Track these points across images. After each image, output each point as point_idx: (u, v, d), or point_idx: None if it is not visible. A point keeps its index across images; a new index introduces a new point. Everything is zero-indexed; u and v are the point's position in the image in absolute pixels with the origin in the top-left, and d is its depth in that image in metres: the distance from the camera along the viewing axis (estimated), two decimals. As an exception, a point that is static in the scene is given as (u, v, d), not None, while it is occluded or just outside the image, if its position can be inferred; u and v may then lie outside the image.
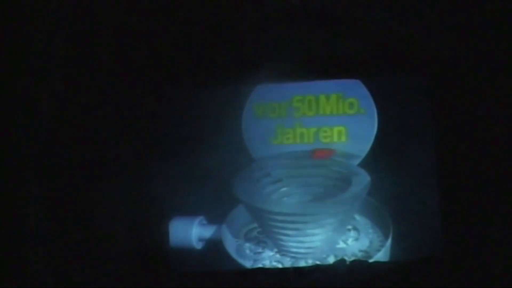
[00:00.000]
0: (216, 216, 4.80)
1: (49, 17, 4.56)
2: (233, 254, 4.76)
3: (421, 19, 4.60)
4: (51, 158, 4.67)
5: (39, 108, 4.69)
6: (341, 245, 4.74)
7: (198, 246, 4.80)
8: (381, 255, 4.67)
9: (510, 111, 4.50)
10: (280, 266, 4.72)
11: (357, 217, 4.75)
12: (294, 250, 4.74)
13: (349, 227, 4.76)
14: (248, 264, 4.74)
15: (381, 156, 4.73)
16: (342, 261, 4.53)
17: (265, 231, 4.79)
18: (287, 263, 4.73)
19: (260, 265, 4.70)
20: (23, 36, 4.54)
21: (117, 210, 4.72)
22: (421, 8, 4.57)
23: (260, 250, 4.76)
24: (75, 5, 4.55)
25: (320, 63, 4.69)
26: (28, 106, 4.65)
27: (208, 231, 4.79)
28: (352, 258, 4.60)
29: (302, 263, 4.69)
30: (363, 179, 4.73)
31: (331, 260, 4.67)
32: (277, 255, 4.75)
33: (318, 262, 4.65)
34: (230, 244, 4.78)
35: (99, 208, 4.70)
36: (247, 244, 4.79)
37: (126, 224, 4.70)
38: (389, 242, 4.67)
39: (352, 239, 4.75)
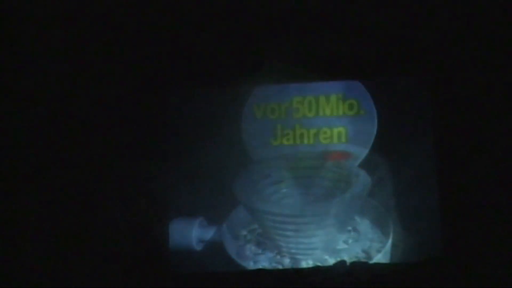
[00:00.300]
0: (216, 217, 4.80)
1: (47, 17, 4.57)
2: (234, 255, 4.75)
3: (421, 20, 4.60)
4: (51, 159, 4.69)
5: (40, 109, 4.71)
6: (342, 246, 4.73)
7: (198, 247, 4.79)
8: (381, 256, 4.67)
9: (510, 111, 4.50)
10: (280, 267, 4.71)
11: (357, 218, 4.74)
12: (294, 251, 4.74)
13: (349, 228, 4.74)
14: (248, 265, 4.73)
15: (381, 156, 4.72)
16: (342, 262, 4.50)
17: (266, 232, 4.78)
18: (288, 264, 4.73)
19: (260, 267, 4.69)
20: (22, 37, 4.56)
21: (117, 211, 4.72)
22: (421, 9, 4.57)
23: (260, 251, 4.75)
24: (75, 6, 4.55)
25: (320, 64, 4.69)
26: (28, 108, 4.67)
27: (208, 233, 4.79)
28: (352, 259, 4.59)
29: (302, 265, 4.68)
30: (363, 180, 4.72)
31: (331, 261, 4.65)
32: (278, 256, 4.74)
33: (318, 264, 4.64)
34: (230, 245, 4.77)
35: (99, 210, 4.71)
36: (248, 246, 4.77)
37: (127, 225, 4.70)
38: (389, 243, 4.66)
39: (352, 240, 4.74)
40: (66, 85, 4.74)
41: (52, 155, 4.72)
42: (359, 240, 4.72)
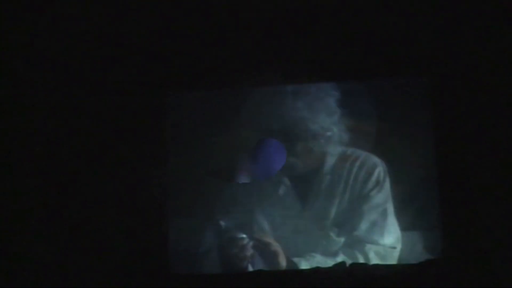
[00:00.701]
0: (215, 218, 4.78)
1: (45, 20, 4.58)
2: (232, 257, 4.70)
3: (421, 20, 4.61)
4: (51, 159, 4.69)
5: (39, 109, 4.72)
6: (341, 247, 4.69)
7: (197, 248, 4.77)
8: (381, 258, 4.63)
9: (511, 112, 4.50)
10: (279, 268, 4.68)
11: (357, 219, 4.70)
12: (293, 252, 4.69)
13: (349, 229, 4.71)
14: (247, 267, 4.68)
15: (381, 158, 4.71)
16: (342, 264, 4.51)
17: (264, 234, 4.75)
18: (286, 265, 4.67)
19: (260, 268, 4.67)
20: (20, 39, 4.56)
21: (116, 211, 4.71)
22: (421, 9, 4.58)
23: (259, 253, 4.72)
24: (73, 8, 4.56)
25: (319, 66, 4.69)
26: (28, 108, 4.67)
27: (207, 234, 4.77)
28: (352, 261, 4.57)
29: (301, 266, 4.65)
30: (363, 181, 4.71)
31: (330, 262, 4.62)
32: (276, 258, 4.70)
33: (317, 265, 4.62)
34: (229, 247, 4.71)
35: (98, 210, 4.70)
36: (246, 247, 4.73)
37: (126, 226, 4.70)
38: (389, 244, 4.64)
39: (351, 241, 4.70)
40: (64, 87, 4.75)
41: (52, 156, 4.72)
42: (359, 241, 4.69)
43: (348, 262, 4.56)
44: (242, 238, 4.73)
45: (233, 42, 4.73)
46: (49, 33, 4.66)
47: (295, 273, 4.53)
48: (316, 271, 4.49)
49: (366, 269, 4.45)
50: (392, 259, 4.63)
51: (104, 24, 4.68)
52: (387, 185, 4.69)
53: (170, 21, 4.69)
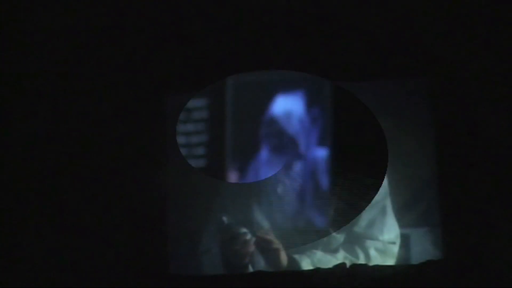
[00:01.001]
0: (214, 219, 4.78)
1: (44, 22, 4.56)
2: (232, 257, 4.70)
3: (421, 20, 4.58)
4: (51, 160, 4.69)
5: (39, 111, 4.72)
6: (340, 246, 4.69)
7: (197, 249, 4.78)
8: (381, 257, 4.62)
9: (511, 112, 4.50)
10: (279, 268, 4.68)
11: (356, 218, 4.71)
12: (293, 251, 4.70)
13: (348, 228, 4.71)
14: (247, 267, 4.68)
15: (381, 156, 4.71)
16: (342, 265, 4.52)
17: (264, 233, 4.74)
18: (287, 265, 4.68)
19: (259, 268, 4.67)
20: (19, 40, 4.56)
21: (116, 211, 4.72)
22: (422, 9, 4.55)
23: (259, 252, 4.72)
24: (72, 10, 4.55)
25: (319, 66, 4.67)
26: (27, 110, 4.67)
27: (206, 234, 4.78)
28: (352, 260, 4.58)
29: (302, 265, 4.65)
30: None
31: (330, 260, 4.62)
32: (276, 258, 4.71)
33: (317, 264, 4.62)
34: (229, 247, 4.71)
35: (98, 210, 4.71)
36: (246, 247, 4.72)
37: (126, 226, 4.70)
38: (388, 243, 4.63)
39: (351, 239, 4.70)
40: (64, 88, 4.74)
41: (51, 155, 4.73)
42: (359, 238, 4.69)
43: (349, 258, 4.57)
44: (245, 233, 4.72)
45: (233, 43, 4.71)
46: (48, 35, 4.65)
47: (295, 273, 4.53)
48: (316, 271, 4.50)
49: (366, 270, 4.46)
50: (392, 255, 4.63)
51: (104, 25, 4.66)
52: (385, 182, 4.68)
53: (168, 23, 4.68)
